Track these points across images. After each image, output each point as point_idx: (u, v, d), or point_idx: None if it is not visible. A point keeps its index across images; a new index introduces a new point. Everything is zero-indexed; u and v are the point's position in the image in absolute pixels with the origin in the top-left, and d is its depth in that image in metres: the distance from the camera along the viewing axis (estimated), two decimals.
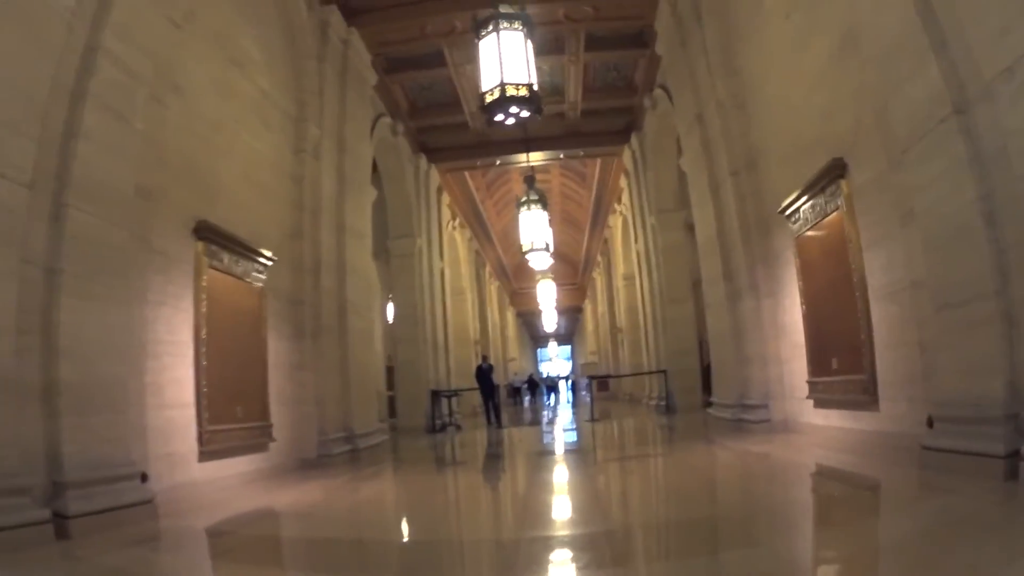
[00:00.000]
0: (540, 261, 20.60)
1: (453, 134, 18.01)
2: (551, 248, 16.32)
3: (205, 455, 7.14)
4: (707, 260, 11.30)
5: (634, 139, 17.57)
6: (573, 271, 41.57)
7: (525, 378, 39.24)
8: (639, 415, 16.96)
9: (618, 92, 16.74)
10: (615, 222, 24.52)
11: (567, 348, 70.27)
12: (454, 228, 23.06)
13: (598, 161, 22.03)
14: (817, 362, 8.00)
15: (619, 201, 22.43)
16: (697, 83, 11.03)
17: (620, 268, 24.47)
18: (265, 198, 9.20)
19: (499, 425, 16.40)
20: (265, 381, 8.48)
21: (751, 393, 9.67)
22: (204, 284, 7.40)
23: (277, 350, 8.98)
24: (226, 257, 7.93)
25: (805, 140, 7.97)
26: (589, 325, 44.87)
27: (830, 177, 7.27)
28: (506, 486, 7.79)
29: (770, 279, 9.42)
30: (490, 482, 8.14)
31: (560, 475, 7.97)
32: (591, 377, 17.00)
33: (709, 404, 15.84)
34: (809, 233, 8.00)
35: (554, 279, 34.34)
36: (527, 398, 37.29)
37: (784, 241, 8.82)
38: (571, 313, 52.35)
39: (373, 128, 13.70)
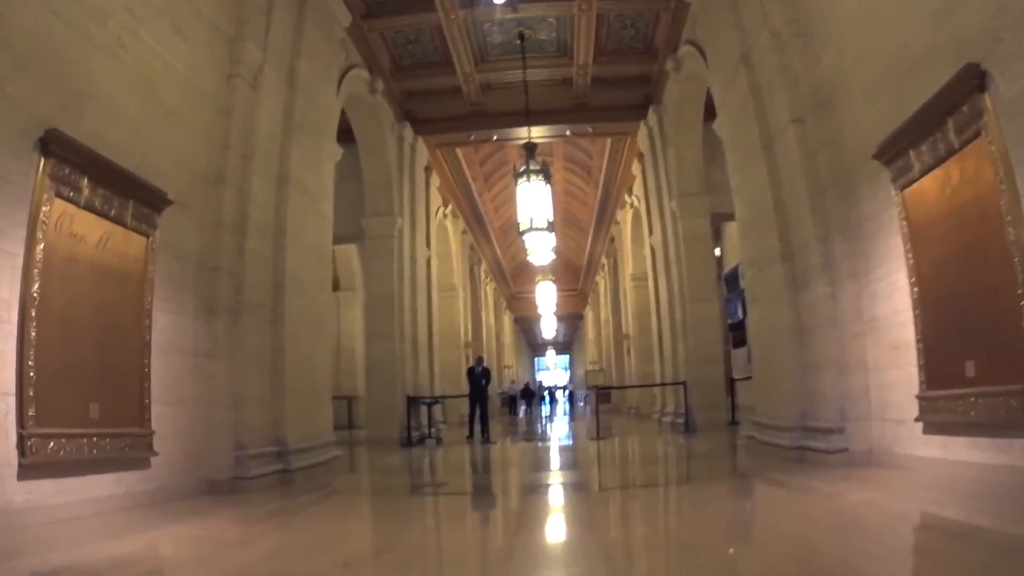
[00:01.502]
0: (541, 251, 18.11)
1: (444, 101, 15.59)
2: (553, 231, 13.80)
3: (30, 470, 4.71)
4: (755, 239, 8.92)
5: (652, 114, 15.17)
6: (574, 277, 39.50)
7: (521, 387, 36.69)
8: (651, 433, 14.50)
9: (635, 56, 14.33)
10: (624, 217, 22.19)
11: (565, 358, 68.34)
12: (445, 216, 20.63)
13: (606, 149, 19.69)
14: (938, 368, 5.55)
15: (629, 192, 20.11)
16: (741, 16, 8.76)
17: (628, 268, 22.10)
18: (171, 125, 6.80)
19: (487, 439, 13.89)
20: (144, 370, 6.01)
21: (820, 412, 7.22)
22: (45, 220, 4.97)
23: (172, 329, 6.53)
24: (91, 189, 5.48)
25: (911, 54, 5.68)
26: (590, 333, 42.63)
27: (959, 94, 4.99)
28: (481, 546, 5.22)
29: (853, 256, 7.00)
30: (459, 537, 5.58)
31: (557, 531, 5.41)
32: (597, 388, 14.33)
33: (733, 423, 13.59)
34: (924, 182, 5.58)
35: (555, 282, 32.01)
36: (523, 408, 34.73)
37: (879, 200, 6.41)
38: (571, 320, 50.42)
39: (342, 78, 11.27)
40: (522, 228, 13.40)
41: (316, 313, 9.09)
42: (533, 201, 13.31)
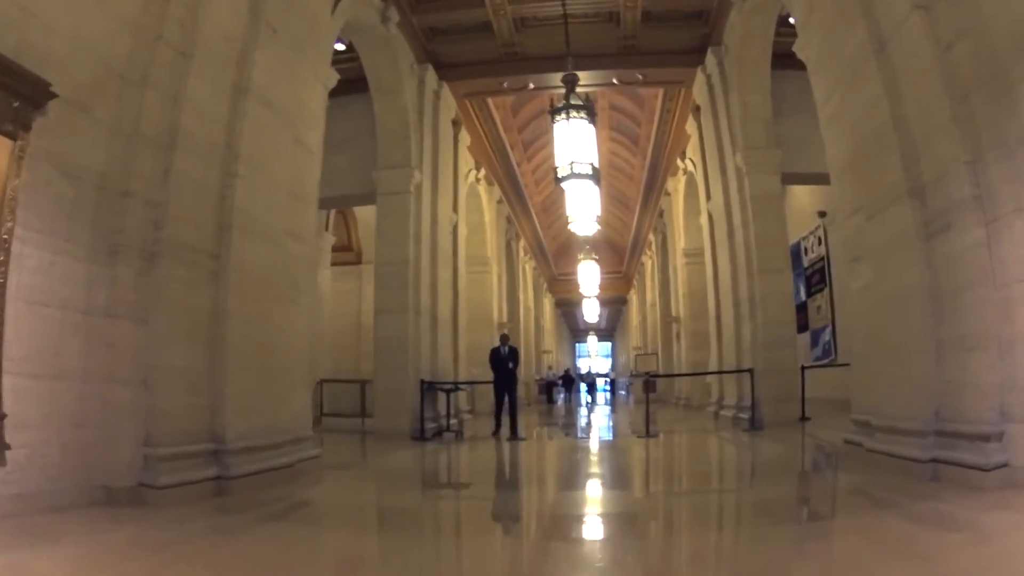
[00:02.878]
0: (582, 209, 16.09)
1: (472, 41, 13.48)
2: (599, 181, 11.59)
3: None
4: (858, 180, 6.77)
5: (710, 58, 12.95)
6: (618, 259, 37.37)
7: (561, 373, 34.61)
8: (709, 431, 12.32)
9: None
10: (675, 186, 20.00)
11: (607, 345, 66.19)
12: (477, 180, 18.56)
13: (656, 109, 17.48)
14: None
15: (683, 156, 17.91)
16: None
17: (680, 242, 19.91)
18: (77, 3, 4.92)
19: (515, 435, 11.54)
20: None
21: (967, 410, 5.09)
22: None
23: (48, 272, 4.64)
24: None
25: None
26: (634, 319, 40.41)
27: None
28: None
29: (1019, 181, 4.80)
30: None
31: None
32: (647, 375, 12.00)
33: (804, 418, 11.41)
34: None
35: (598, 262, 29.90)
36: (561, 395, 32.68)
37: None
38: (614, 305, 48.28)
39: None
40: (560, 174, 11.19)
41: (287, 269, 7.10)
42: (574, 142, 11.15)
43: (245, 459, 5.94)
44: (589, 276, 29.53)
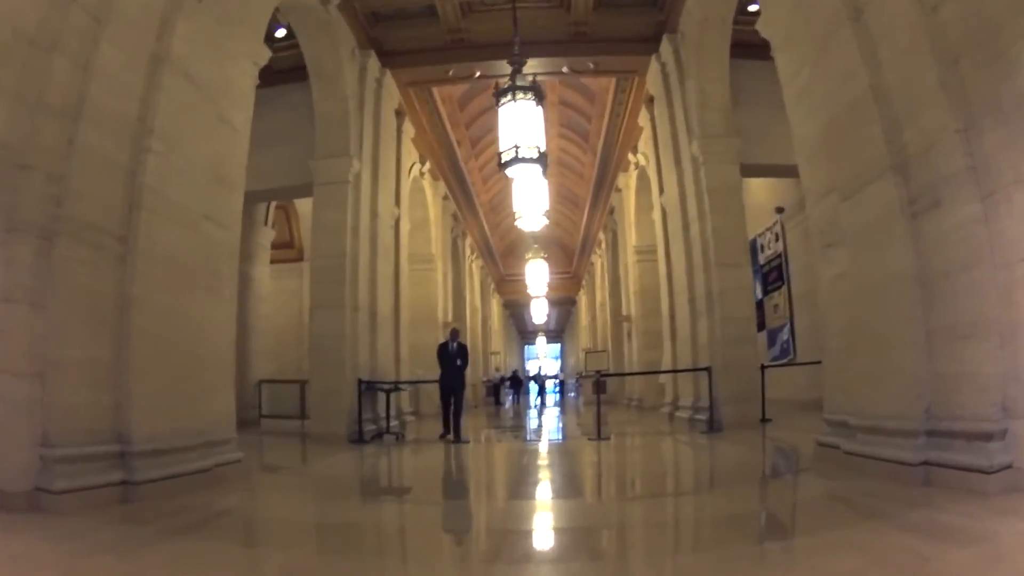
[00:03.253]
0: (530, 216, 15.55)
1: (417, 27, 12.82)
2: (546, 165, 10.86)
3: None
4: (832, 158, 6.26)
5: (666, 45, 12.46)
6: (568, 259, 36.97)
7: (509, 374, 33.93)
8: (665, 433, 11.70)
9: None
10: (627, 182, 19.60)
11: (556, 347, 65.86)
12: (422, 174, 17.79)
13: (608, 102, 16.95)
14: None
15: (634, 151, 17.47)
16: None
17: (631, 240, 19.45)
18: None
19: (457, 438, 10.77)
20: None
21: (963, 405, 4.59)
22: None
23: None
24: None
25: None
26: (583, 319, 40.06)
27: None
28: None
29: (1018, 148, 4.30)
30: None
31: None
32: (599, 374, 11.28)
33: (766, 420, 10.94)
34: None
35: (547, 260, 29.40)
36: (510, 397, 31.99)
37: None
38: (563, 306, 48.00)
39: None
40: (504, 159, 10.47)
41: (207, 257, 6.29)
42: (520, 125, 10.46)
43: (154, 463, 5.21)
44: (537, 275, 28.98)
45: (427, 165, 18.06)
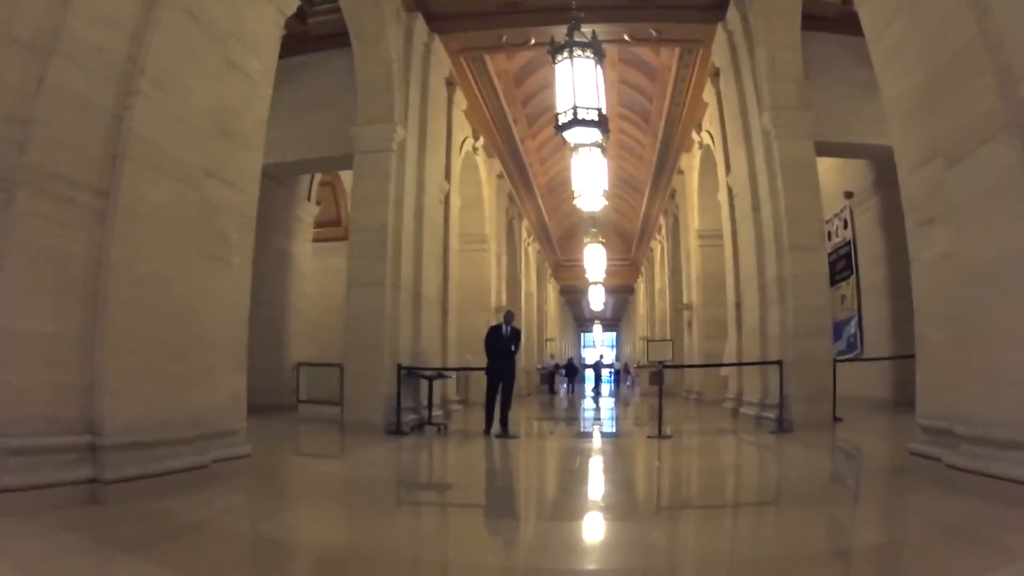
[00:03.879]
0: (590, 195, 14.67)
1: None
2: (607, 129, 9.97)
3: None
4: (930, 117, 5.22)
5: (733, 12, 11.44)
6: (626, 245, 35.90)
7: (564, 362, 33.06)
8: (730, 432, 10.67)
9: None
10: (690, 162, 18.51)
11: (612, 335, 64.84)
12: (475, 150, 17.02)
13: (670, 78, 15.89)
14: None
15: (698, 130, 16.43)
16: None
17: (694, 223, 18.38)
18: None
19: (505, 431, 9.75)
20: None
21: None
22: None
23: None
24: None
25: None
26: (641, 308, 38.91)
27: None
28: None
29: None
30: None
31: None
32: (662, 365, 10.21)
33: (836, 419, 9.94)
34: None
35: (604, 245, 28.46)
36: (564, 386, 31.11)
37: None
38: (620, 293, 46.88)
39: None
40: (561, 121, 9.58)
41: (209, 219, 5.56)
42: (578, 84, 9.54)
43: (132, 458, 4.46)
44: (595, 260, 28.00)
45: (480, 141, 17.29)
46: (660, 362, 9.97)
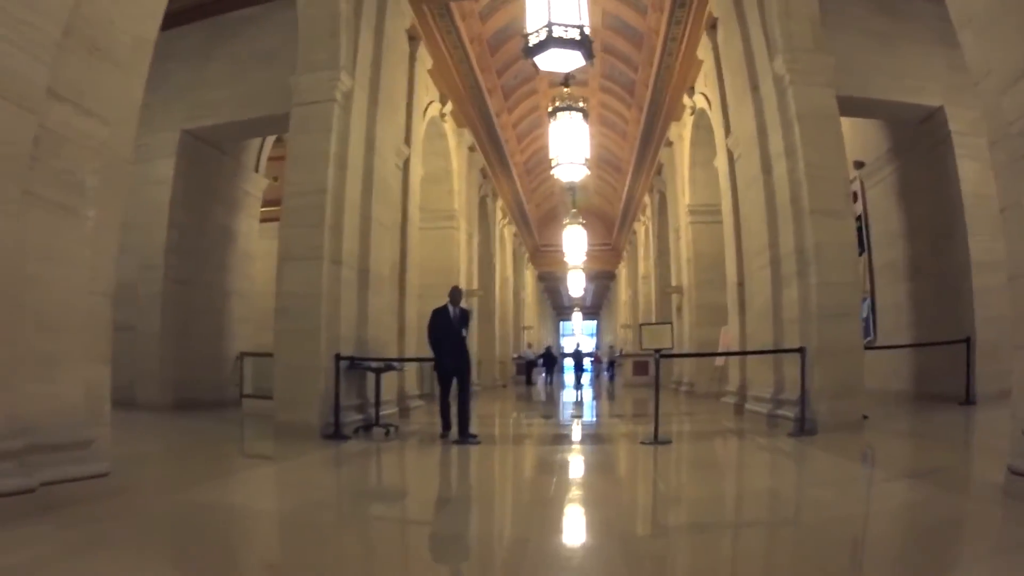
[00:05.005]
0: (569, 163, 13.00)
1: None
2: (591, 50, 8.18)
3: None
4: None
5: None
6: (607, 230, 34.62)
7: (542, 351, 31.38)
8: (738, 434, 9.01)
9: None
10: (680, 132, 16.88)
11: (592, 324, 63.54)
12: (442, 116, 15.24)
13: (657, 43, 14.40)
14: None
15: (690, 94, 14.81)
16: None
17: (685, 198, 16.77)
18: None
19: (464, 436, 7.95)
20: None
21: None
22: None
23: None
24: None
25: None
26: (623, 294, 37.43)
27: None
28: None
29: None
30: None
31: None
32: (659, 354, 8.26)
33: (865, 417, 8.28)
34: None
35: (584, 227, 27.02)
36: (542, 376, 29.45)
37: None
38: (601, 280, 45.50)
39: None
40: (532, 41, 7.83)
41: (52, 153, 3.74)
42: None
43: None
44: (575, 243, 26.47)
45: (449, 107, 15.48)
46: (657, 350, 8.18)
